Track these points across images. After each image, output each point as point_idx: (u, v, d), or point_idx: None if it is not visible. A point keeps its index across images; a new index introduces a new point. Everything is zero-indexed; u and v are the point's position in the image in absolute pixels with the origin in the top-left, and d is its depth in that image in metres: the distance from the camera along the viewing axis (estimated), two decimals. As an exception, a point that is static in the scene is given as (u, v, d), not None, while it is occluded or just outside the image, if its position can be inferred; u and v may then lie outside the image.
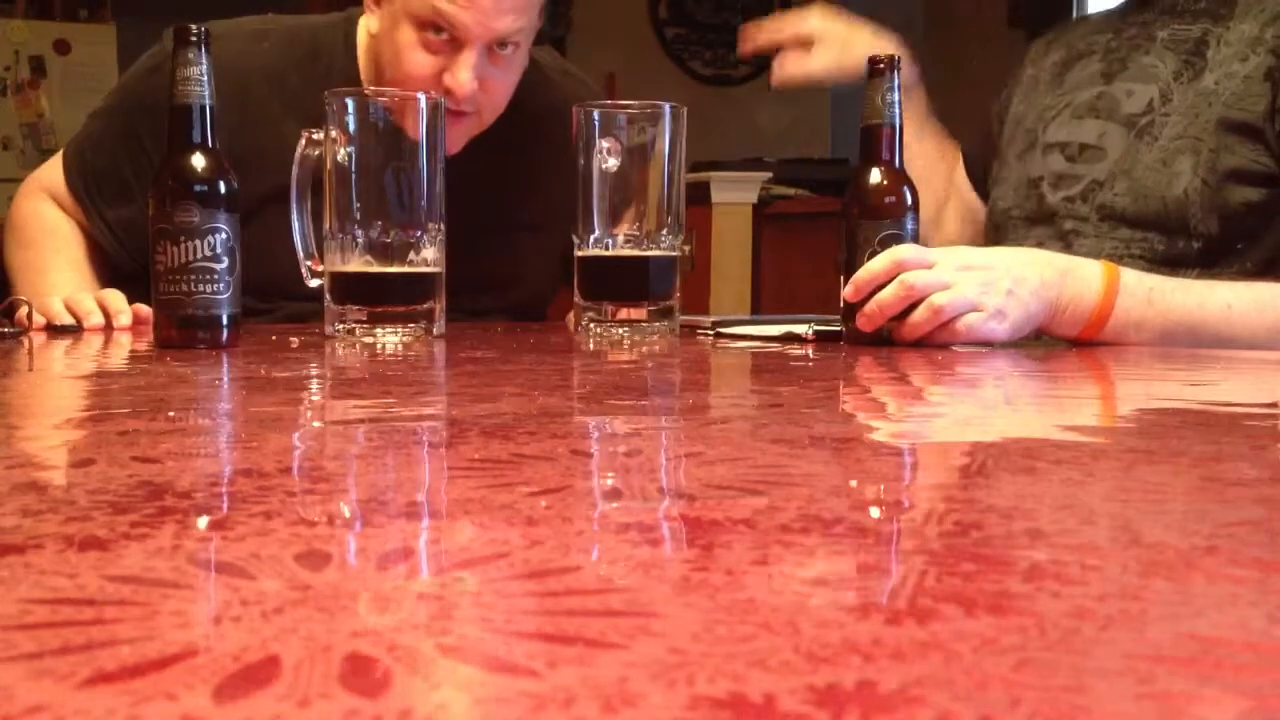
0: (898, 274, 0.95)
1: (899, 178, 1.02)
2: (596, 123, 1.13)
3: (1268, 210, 1.09)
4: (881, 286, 0.96)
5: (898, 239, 1.00)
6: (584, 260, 1.13)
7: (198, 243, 0.89)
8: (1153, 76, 1.18)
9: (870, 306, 0.96)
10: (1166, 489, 0.42)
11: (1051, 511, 0.33)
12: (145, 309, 1.03)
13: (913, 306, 0.95)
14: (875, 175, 1.02)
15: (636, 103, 1.19)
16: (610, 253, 1.11)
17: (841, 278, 1.03)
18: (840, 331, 1.01)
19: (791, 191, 3.61)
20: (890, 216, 1.01)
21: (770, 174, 3.61)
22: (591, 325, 1.12)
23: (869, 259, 0.98)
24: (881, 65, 1.02)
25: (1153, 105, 1.16)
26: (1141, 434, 0.56)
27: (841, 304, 1.02)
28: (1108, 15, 1.32)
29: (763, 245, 3.37)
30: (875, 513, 0.34)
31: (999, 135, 1.34)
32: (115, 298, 1.12)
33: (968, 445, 0.48)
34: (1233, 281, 1.03)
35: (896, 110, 1.02)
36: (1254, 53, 1.12)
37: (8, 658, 0.20)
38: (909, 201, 1.02)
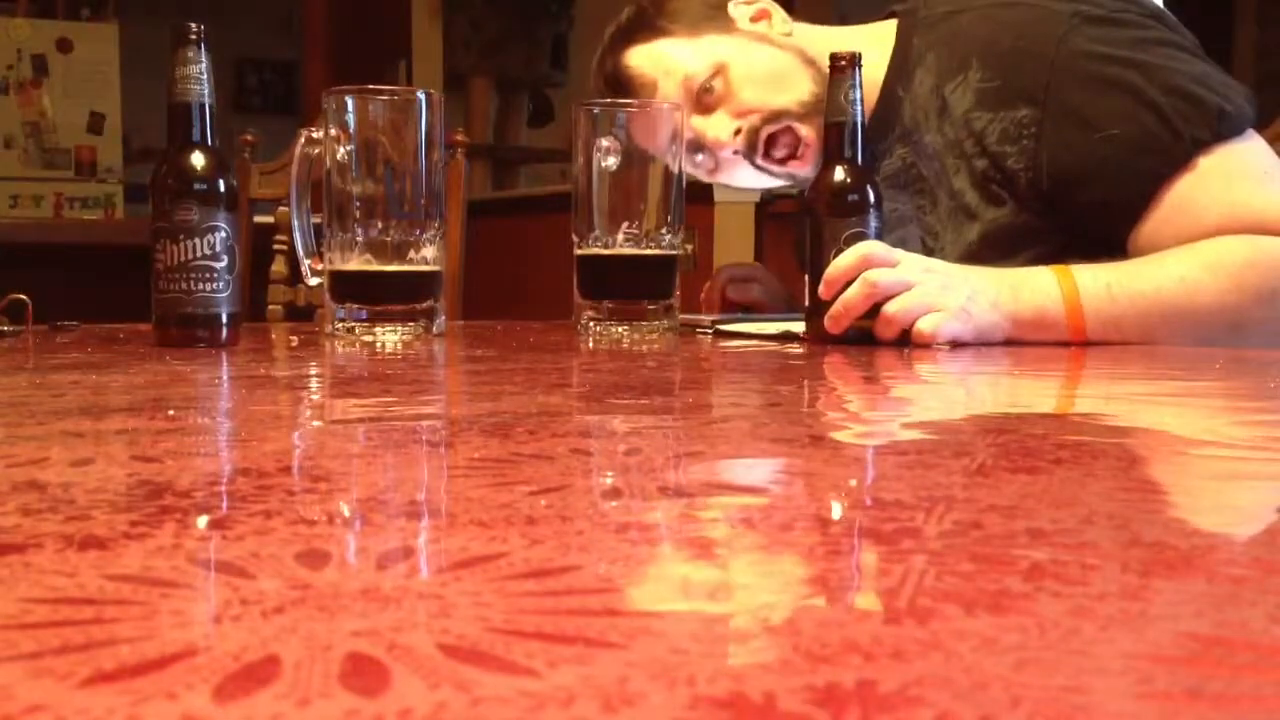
0: (863, 270, 0.96)
1: (862, 175, 1.03)
2: (596, 121, 1.13)
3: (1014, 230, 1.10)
4: (849, 284, 0.96)
5: (862, 236, 1.00)
6: (583, 259, 1.13)
7: (197, 241, 0.90)
8: (902, 220, 1.18)
9: (836, 308, 0.97)
10: (1167, 488, 0.42)
11: (1051, 511, 0.33)
12: None
13: (880, 304, 0.96)
14: (839, 173, 1.02)
15: (636, 101, 1.19)
16: (610, 251, 1.11)
17: (806, 276, 1.04)
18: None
19: (794, 190, 3.61)
20: (855, 214, 1.01)
21: (772, 173, 3.61)
22: (591, 324, 1.12)
23: (834, 257, 0.99)
24: (844, 63, 1.02)
25: (927, 245, 1.16)
26: (1141, 433, 0.56)
27: (807, 302, 1.03)
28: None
29: (765, 244, 3.37)
30: (875, 512, 0.34)
31: None
32: None
33: (967, 444, 0.48)
34: (1175, 251, 1.02)
35: (858, 108, 1.03)
36: (959, 160, 1.12)
37: (8, 657, 0.20)
38: (872, 199, 1.02)
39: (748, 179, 1.26)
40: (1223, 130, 1.02)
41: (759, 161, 1.20)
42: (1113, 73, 1.04)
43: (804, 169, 1.20)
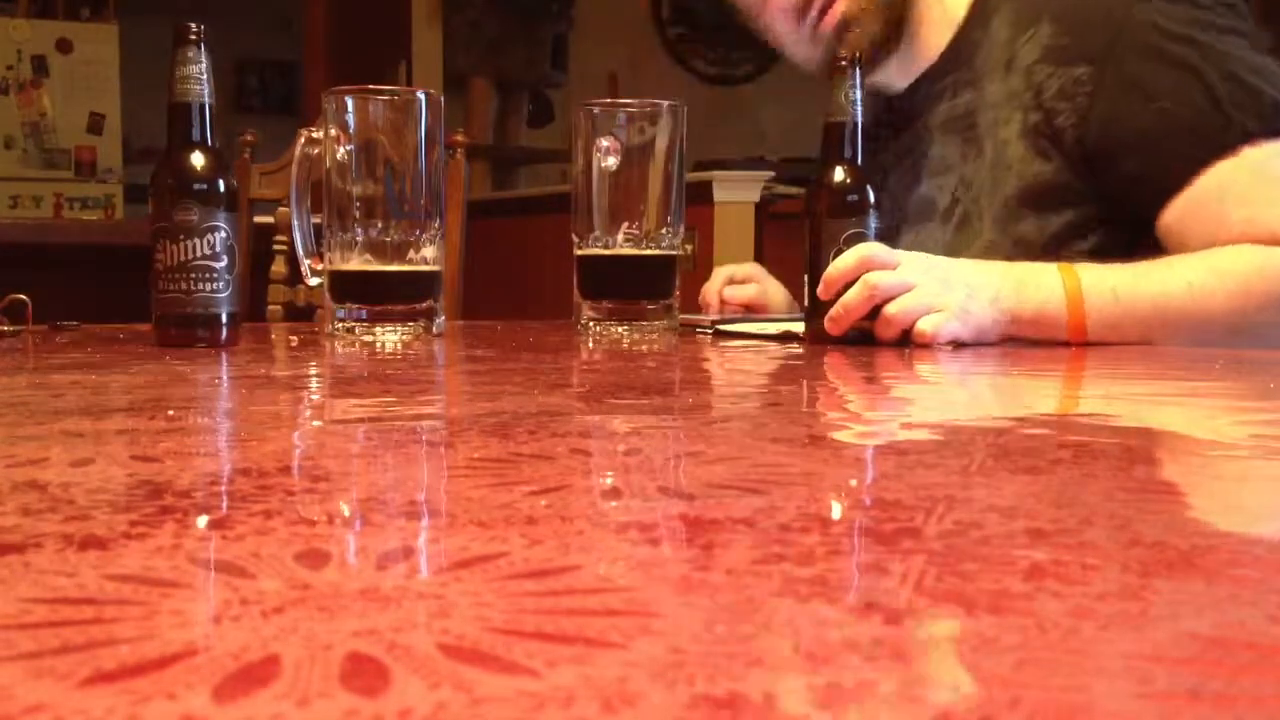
0: (863, 271, 0.96)
1: (861, 176, 1.02)
2: (596, 122, 1.13)
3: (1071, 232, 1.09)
4: (849, 285, 0.96)
5: (862, 237, 1.00)
6: (584, 259, 1.13)
7: (197, 241, 0.89)
8: (947, 166, 1.17)
9: (836, 309, 0.97)
10: (1167, 488, 0.42)
11: (1051, 511, 0.33)
12: None
13: (880, 305, 0.95)
14: (839, 173, 1.02)
15: (636, 101, 1.19)
16: (610, 251, 1.11)
17: (806, 276, 1.03)
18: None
19: (794, 190, 3.60)
20: (854, 215, 1.01)
21: (773, 173, 3.61)
22: (591, 324, 1.12)
23: (834, 258, 0.98)
24: (844, 62, 1.02)
25: (956, 195, 1.15)
26: (1142, 433, 0.56)
27: (806, 303, 1.03)
28: (885, 123, 1.27)
29: (765, 244, 3.37)
30: (875, 512, 0.34)
31: None
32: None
33: (967, 444, 0.48)
34: (1184, 256, 1.02)
35: (858, 107, 1.02)
36: (1014, 111, 1.11)
37: (7, 657, 0.20)
38: (871, 200, 1.02)
39: (785, 31, 1.22)
40: (1276, 124, 1.02)
41: (810, 18, 1.18)
42: (1175, 50, 1.05)
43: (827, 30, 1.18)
